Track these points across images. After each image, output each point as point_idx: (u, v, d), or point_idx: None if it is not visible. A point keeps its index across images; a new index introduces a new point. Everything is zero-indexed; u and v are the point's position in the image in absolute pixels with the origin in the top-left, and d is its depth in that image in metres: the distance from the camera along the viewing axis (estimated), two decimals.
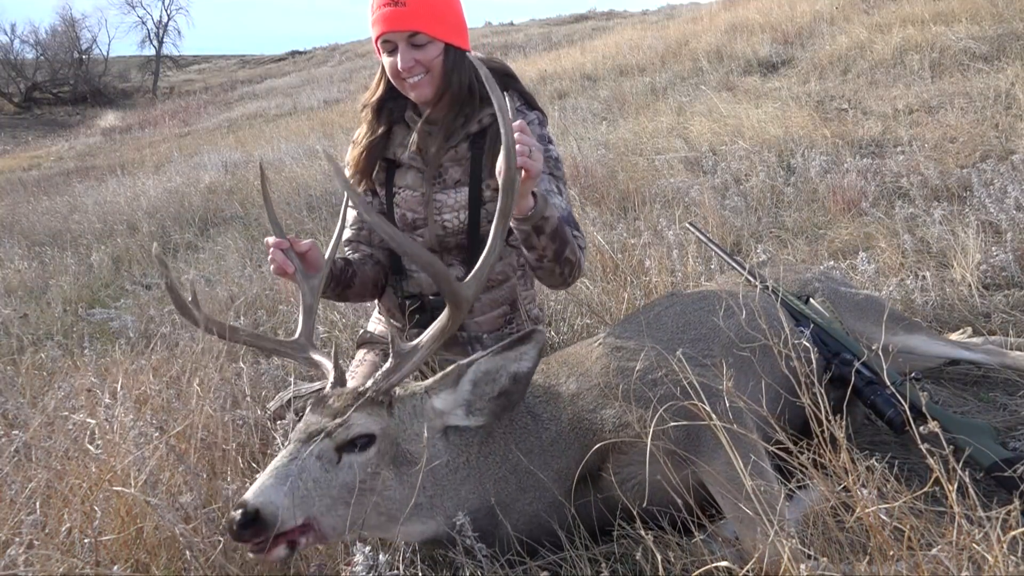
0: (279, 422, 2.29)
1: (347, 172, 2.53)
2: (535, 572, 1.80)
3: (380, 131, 2.47)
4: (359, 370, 2.49)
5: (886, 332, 2.25)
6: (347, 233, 2.55)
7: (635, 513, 1.79)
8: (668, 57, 11.09)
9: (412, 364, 1.85)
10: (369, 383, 1.81)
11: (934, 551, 1.34)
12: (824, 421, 1.63)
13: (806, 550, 1.54)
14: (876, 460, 1.53)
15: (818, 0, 10.72)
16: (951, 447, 1.39)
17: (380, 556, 1.69)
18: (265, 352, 2.19)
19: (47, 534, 1.76)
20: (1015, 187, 3.94)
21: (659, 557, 1.55)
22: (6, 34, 49.09)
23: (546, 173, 2.33)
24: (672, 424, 1.73)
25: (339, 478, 1.67)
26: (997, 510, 1.33)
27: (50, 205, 9.78)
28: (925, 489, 1.42)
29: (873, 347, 2.02)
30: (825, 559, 1.42)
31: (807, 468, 1.60)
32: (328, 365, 2.00)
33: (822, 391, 1.67)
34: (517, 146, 1.82)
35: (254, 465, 2.27)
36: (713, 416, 1.63)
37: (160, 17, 44.11)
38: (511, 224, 2.02)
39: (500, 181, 1.84)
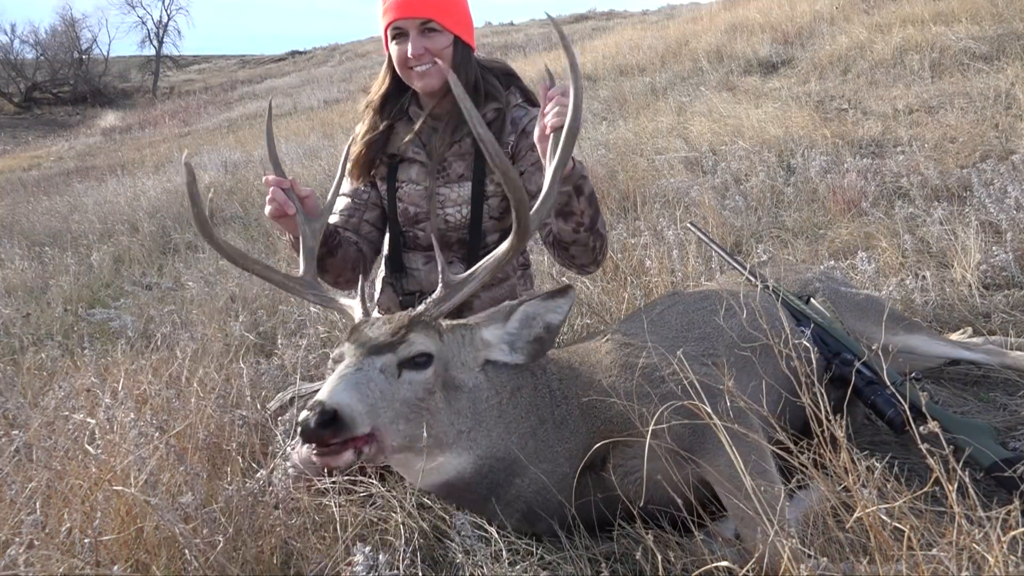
0: (279, 419, 2.30)
1: (352, 170, 2.52)
2: (535, 572, 1.80)
3: (381, 127, 2.47)
4: None
5: (886, 332, 2.25)
6: (335, 219, 2.53)
7: (635, 513, 1.80)
8: (668, 57, 11.09)
9: (463, 294, 1.90)
10: (421, 308, 1.86)
11: (934, 551, 1.34)
12: (824, 421, 1.63)
13: (806, 550, 1.54)
14: (876, 460, 1.53)
15: (818, 0, 10.72)
16: (951, 447, 1.39)
17: (380, 556, 1.69)
18: (274, 284, 2.14)
19: (47, 534, 1.76)
20: (1015, 187, 3.94)
21: (659, 557, 1.55)
22: (6, 34, 49.10)
23: None
24: (675, 423, 1.74)
25: (400, 392, 1.71)
26: (997, 510, 1.33)
27: (50, 205, 9.78)
28: (925, 489, 1.42)
29: (873, 347, 2.02)
30: (825, 559, 1.43)
31: (807, 468, 1.61)
32: (348, 303, 2.03)
33: (822, 391, 1.67)
34: (557, 108, 1.88)
35: (254, 465, 2.27)
36: (717, 415, 1.64)
37: (160, 17, 44.13)
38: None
39: (562, 132, 1.86)
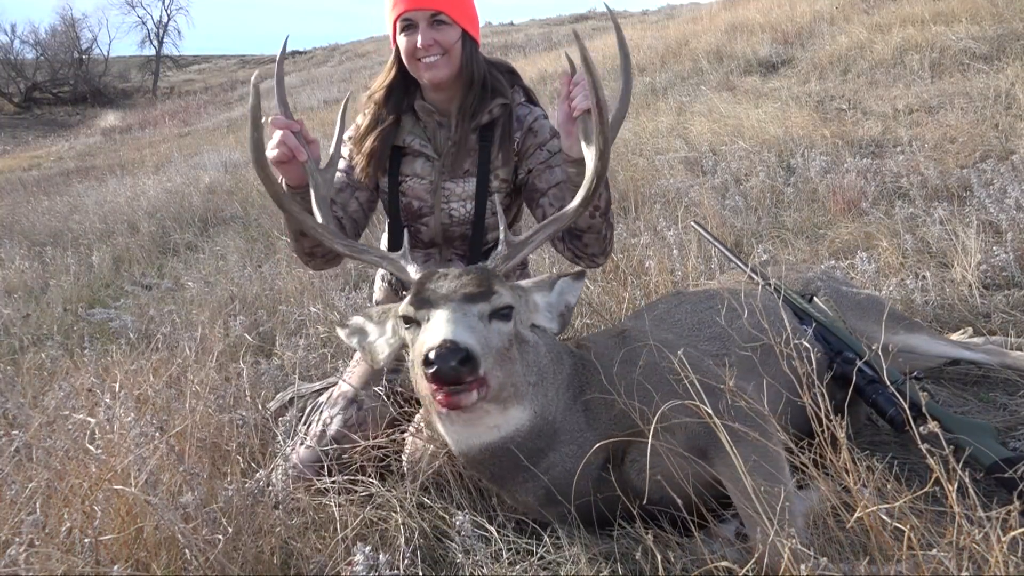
0: (279, 419, 2.30)
1: (354, 155, 2.51)
2: (535, 572, 1.80)
3: (390, 120, 2.47)
4: (356, 370, 2.49)
5: (887, 331, 2.25)
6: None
7: (635, 513, 1.80)
8: (668, 57, 11.09)
9: (524, 253, 1.96)
10: (491, 263, 1.91)
11: (934, 551, 1.34)
12: (824, 421, 1.63)
13: (806, 550, 1.54)
14: (876, 460, 1.53)
15: (818, 0, 10.72)
16: (951, 447, 1.39)
17: (380, 556, 1.69)
18: (308, 232, 2.07)
19: (47, 534, 1.76)
20: (1015, 187, 3.94)
21: (659, 557, 1.55)
22: (6, 34, 49.09)
23: (558, 166, 2.39)
24: (691, 420, 1.74)
25: (494, 340, 1.73)
26: (997, 510, 1.33)
27: (50, 205, 9.77)
28: (925, 489, 1.42)
29: (874, 346, 2.02)
30: (825, 559, 1.42)
31: (807, 468, 1.61)
32: (389, 254, 2.02)
33: (823, 391, 1.67)
34: (583, 91, 1.93)
35: (254, 465, 2.27)
36: (731, 415, 1.65)
37: (160, 17, 44.09)
38: (571, 170, 2.09)
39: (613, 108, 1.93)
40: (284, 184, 2.14)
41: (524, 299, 1.91)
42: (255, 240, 6.18)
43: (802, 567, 1.36)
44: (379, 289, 2.75)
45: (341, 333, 2.06)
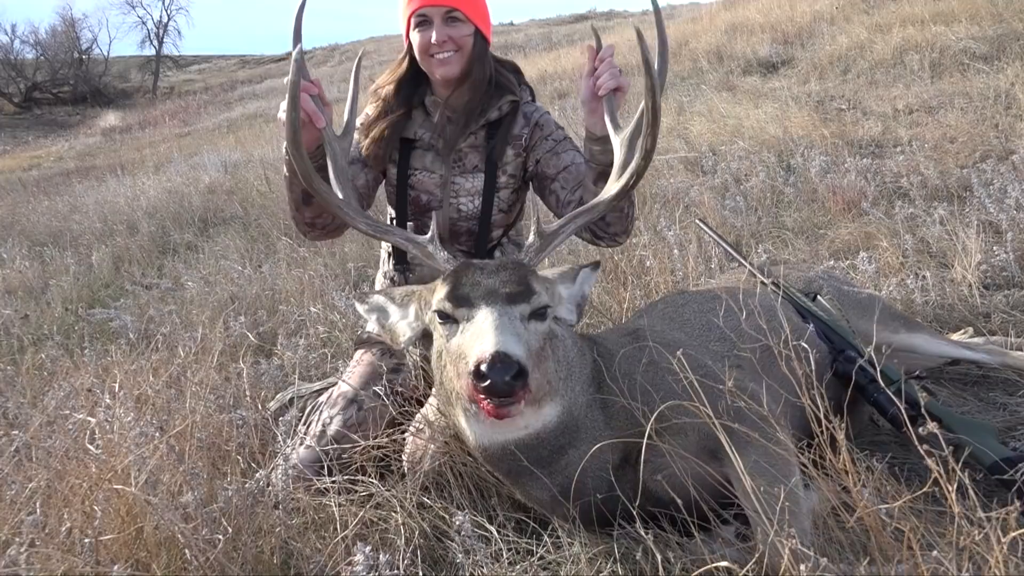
0: (279, 419, 2.29)
1: (362, 142, 2.51)
2: (535, 572, 1.80)
3: (400, 111, 2.49)
4: (356, 370, 2.49)
5: (888, 331, 2.25)
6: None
7: (635, 513, 1.79)
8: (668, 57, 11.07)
9: (555, 244, 1.94)
10: (525, 257, 1.89)
11: (934, 552, 1.34)
12: (823, 421, 1.63)
13: (806, 550, 1.54)
14: (876, 460, 1.53)
15: (818, 0, 10.72)
16: (951, 448, 1.39)
17: (380, 556, 1.69)
18: (330, 210, 2.00)
19: (47, 534, 1.76)
20: (1015, 187, 3.94)
21: (659, 557, 1.55)
22: (6, 34, 48.93)
23: (572, 149, 2.45)
24: (695, 420, 1.74)
25: (533, 342, 1.71)
26: (997, 511, 1.33)
27: (50, 205, 9.76)
28: (924, 490, 1.42)
29: (874, 346, 2.02)
30: (825, 559, 1.42)
31: (807, 468, 1.61)
32: (414, 237, 1.98)
33: (822, 391, 1.67)
34: (610, 70, 1.99)
35: (254, 465, 2.27)
36: (738, 416, 1.64)
37: (160, 17, 44.06)
38: (595, 148, 2.11)
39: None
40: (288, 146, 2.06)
41: (551, 291, 1.90)
42: (255, 240, 6.17)
43: (802, 567, 1.35)
44: (380, 285, 2.75)
45: (360, 308, 2.05)
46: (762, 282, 2.44)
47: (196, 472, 1.92)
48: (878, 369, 1.99)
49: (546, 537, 1.90)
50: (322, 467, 2.20)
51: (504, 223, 2.57)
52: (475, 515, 1.94)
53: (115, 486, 1.81)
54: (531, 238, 1.92)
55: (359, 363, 2.53)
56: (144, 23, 43.98)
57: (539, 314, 1.76)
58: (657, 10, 1.97)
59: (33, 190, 11.80)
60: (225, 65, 43.96)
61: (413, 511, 2.01)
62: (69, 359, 3.39)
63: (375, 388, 2.33)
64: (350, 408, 2.34)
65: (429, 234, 1.95)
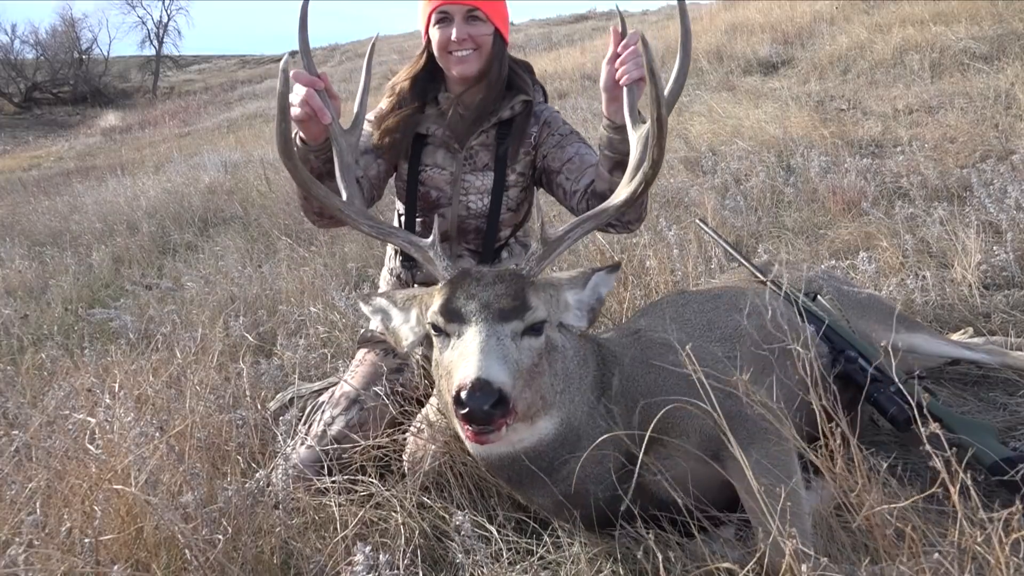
0: (279, 419, 2.29)
1: (375, 135, 2.50)
2: (535, 572, 1.80)
3: (414, 105, 2.50)
4: (359, 370, 2.49)
5: (888, 331, 2.25)
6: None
7: (635, 513, 1.79)
8: (668, 57, 11.05)
9: (559, 251, 1.90)
10: (525, 267, 1.84)
11: (936, 553, 1.34)
12: (828, 420, 1.63)
13: (807, 550, 1.54)
14: (879, 460, 1.53)
15: (818, 0, 10.72)
16: (953, 449, 1.39)
17: (380, 556, 1.69)
18: (333, 213, 1.98)
19: (47, 534, 1.76)
20: (1015, 187, 3.94)
21: (659, 557, 1.55)
22: (6, 34, 49.04)
23: (578, 142, 2.47)
24: (698, 422, 1.74)
25: (524, 360, 1.68)
26: (999, 511, 1.33)
27: (50, 205, 9.76)
28: (932, 491, 1.42)
29: (876, 345, 2.02)
30: (826, 559, 1.42)
31: (811, 468, 1.60)
32: (416, 240, 1.95)
33: (833, 389, 1.67)
34: (634, 60, 1.92)
35: (254, 465, 2.26)
36: (743, 417, 1.64)
37: (160, 17, 44.03)
38: (614, 137, 2.09)
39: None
40: (300, 139, 2.09)
41: (555, 299, 1.85)
42: (255, 240, 6.17)
43: (803, 567, 1.35)
44: (385, 282, 2.74)
45: (364, 309, 2.03)
46: (762, 282, 2.44)
47: (196, 472, 1.92)
48: (871, 368, 1.99)
49: (546, 537, 1.90)
50: (322, 467, 2.19)
51: (512, 222, 2.57)
52: (475, 515, 1.94)
53: (115, 486, 1.81)
54: (534, 245, 1.89)
55: (362, 363, 2.53)
56: (144, 23, 44.00)
57: (534, 329, 1.72)
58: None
59: (33, 190, 11.80)
60: (225, 65, 43.94)
61: (413, 511, 2.01)
62: (69, 359, 3.39)
63: (375, 388, 2.33)
64: (352, 408, 2.34)
65: (431, 238, 1.93)
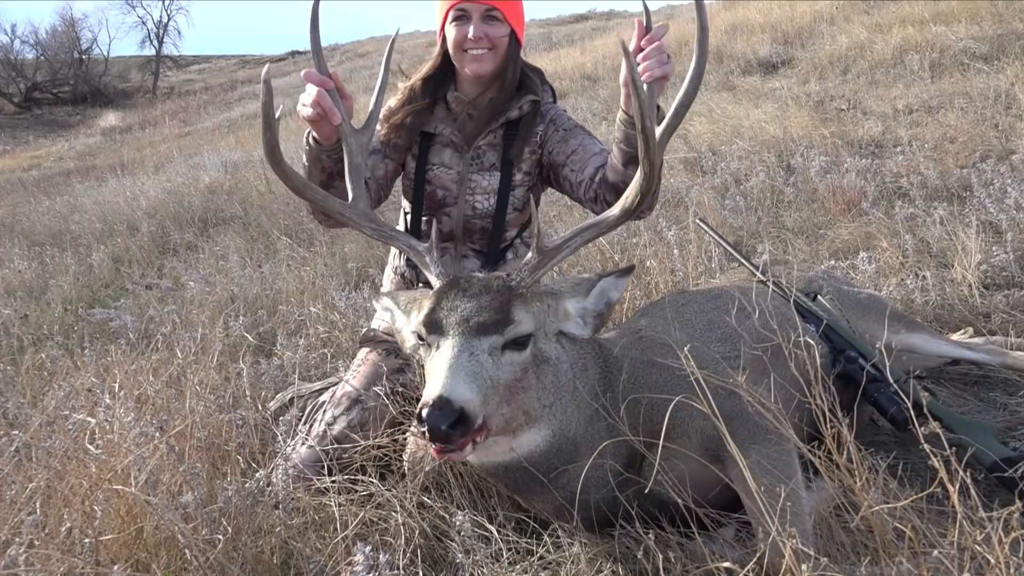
0: (279, 419, 2.29)
1: (382, 131, 2.51)
2: (535, 572, 1.80)
3: (424, 101, 2.50)
4: (360, 370, 2.49)
5: (888, 331, 2.25)
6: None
7: (635, 513, 1.79)
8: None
9: (556, 261, 1.87)
10: (516, 277, 1.81)
11: (935, 552, 1.34)
12: (824, 422, 1.63)
13: (807, 550, 1.54)
14: (879, 460, 1.53)
15: (818, 0, 10.72)
16: (953, 448, 1.39)
17: (380, 556, 1.69)
18: (332, 214, 1.99)
19: (47, 534, 1.76)
20: (1015, 187, 3.94)
21: (659, 557, 1.55)
22: (6, 34, 49.09)
23: (583, 135, 2.48)
24: (698, 423, 1.74)
25: (503, 376, 1.66)
26: (999, 511, 1.33)
27: (50, 205, 9.77)
28: (931, 490, 1.42)
29: (876, 345, 2.02)
30: (826, 559, 1.42)
31: (812, 467, 1.60)
32: (414, 243, 1.95)
33: (832, 389, 1.67)
34: (657, 57, 1.88)
35: (254, 465, 2.26)
36: (744, 418, 1.63)
37: (160, 17, 44.03)
38: (631, 131, 2.03)
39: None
40: (312, 139, 2.09)
41: (553, 308, 1.83)
42: (255, 240, 6.17)
43: (803, 567, 1.35)
44: (389, 280, 2.74)
45: (377, 306, 2.07)
46: (762, 281, 2.44)
47: (196, 472, 1.93)
48: (866, 368, 1.99)
49: (546, 537, 1.90)
50: (322, 467, 2.19)
51: (518, 222, 2.58)
52: (475, 515, 1.94)
53: (115, 486, 1.81)
54: (529, 254, 1.86)
55: (363, 362, 2.53)
56: (144, 23, 44.00)
57: (517, 343, 1.70)
58: None
59: (33, 190, 11.80)
60: (225, 65, 43.94)
61: (413, 511, 2.01)
62: (69, 359, 3.39)
63: (375, 388, 2.33)
64: (354, 408, 2.34)
65: (428, 243, 1.95)
